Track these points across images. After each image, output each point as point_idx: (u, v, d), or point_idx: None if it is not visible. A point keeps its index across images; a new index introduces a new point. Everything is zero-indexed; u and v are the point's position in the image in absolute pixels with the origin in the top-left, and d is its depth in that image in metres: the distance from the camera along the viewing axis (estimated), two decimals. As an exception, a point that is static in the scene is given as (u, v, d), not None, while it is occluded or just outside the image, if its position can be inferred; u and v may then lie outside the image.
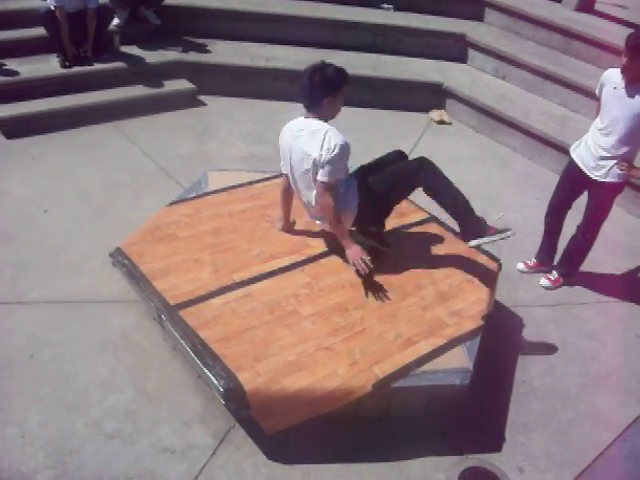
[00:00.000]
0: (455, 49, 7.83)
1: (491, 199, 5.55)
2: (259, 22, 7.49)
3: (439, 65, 7.66)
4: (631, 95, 3.95)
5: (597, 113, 4.26)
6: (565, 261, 4.67)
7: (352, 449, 3.19)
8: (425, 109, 7.21)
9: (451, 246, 4.10)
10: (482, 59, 7.66)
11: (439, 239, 4.15)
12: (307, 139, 3.45)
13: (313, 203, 3.63)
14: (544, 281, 4.68)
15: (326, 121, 3.51)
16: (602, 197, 4.29)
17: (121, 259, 3.66)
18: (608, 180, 4.17)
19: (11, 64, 5.99)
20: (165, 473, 2.99)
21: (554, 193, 4.61)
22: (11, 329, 3.66)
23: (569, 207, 4.57)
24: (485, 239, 3.56)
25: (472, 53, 7.78)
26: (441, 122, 7.05)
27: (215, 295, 3.43)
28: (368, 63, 7.37)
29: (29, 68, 6.02)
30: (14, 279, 4.02)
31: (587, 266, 4.86)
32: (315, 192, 3.55)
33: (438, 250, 4.04)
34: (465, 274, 3.86)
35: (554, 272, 4.70)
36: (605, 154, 4.12)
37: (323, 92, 3.45)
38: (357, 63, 7.31)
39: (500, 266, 4.04)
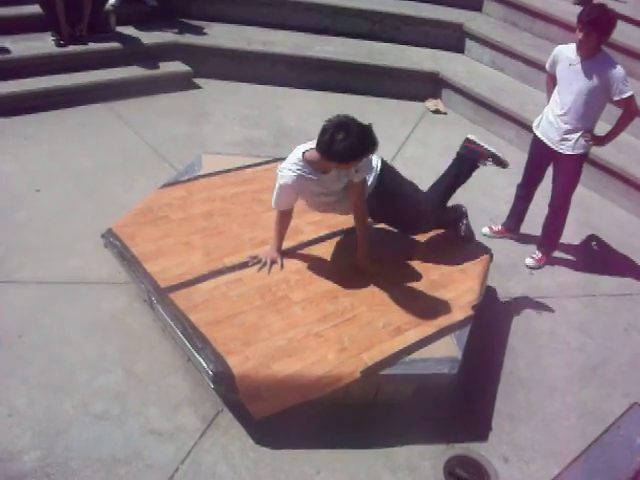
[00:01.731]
0: (452, 39, 7.79)
1: (484, 190, 5.55)
2: (256, 6, 7.43)
3: (436, 54, 7.62)
4: (587, 69, 4.13)
5: (549, 88, 4.53)
6: (545, 239, 4.81)
7: (339, 435, 3.21)
8: (421, 98, 7.19)
9: (443, 235, 4.10)
10: (479, 49, 7.64)
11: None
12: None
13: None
14: (529, 260, 4.78)
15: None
16: (570, 169, 4.46)
17: (112, 240, 3.65)
18: (575, 152, 4.35)
19: (5, 42, 5.93)
20: (152, 455, 2.99)
21: (525, 170, 4.82)
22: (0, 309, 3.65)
23: (540, 180, 4.78)
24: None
25: (469, 43, 7.74)
26: (437, 111, 7.04)
27: (206, 279, 3.43)
28: (365, 50, 7.34)
29: (23, 46, 5.96)
30: (3, 258, 4.00)
31: (577, 259, 4.89)
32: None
33: (430, 239, 4.05)
34: (456, 264, 3.87)
35: (537, 252, 4.80)
36: (569, 127, 4.30)
37: (335, 156, 3.11)
38: (354, 50, 7.28)
39: (491, 257, 4.06)
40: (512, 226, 5.01)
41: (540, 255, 4.79)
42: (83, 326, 3.60)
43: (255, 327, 3.18)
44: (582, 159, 4.45)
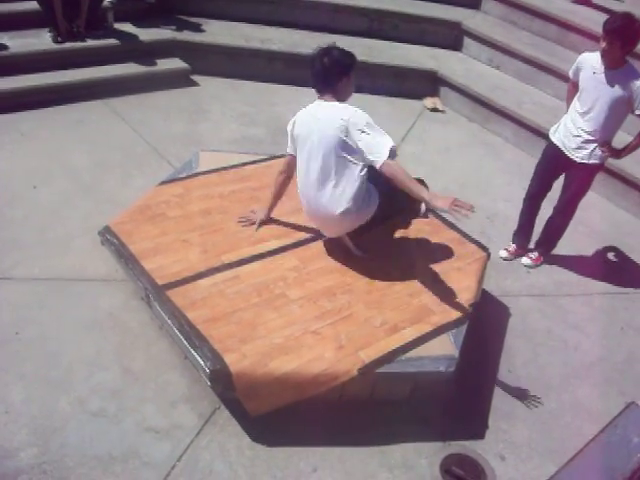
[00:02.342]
0: (450, 37, 7.80)
1: (481, 188, 5.57)
2: (254, 3, 7.42)
3: (434, 52, 7.63)
4: (611, 79, 4.07)
5: (570, 95, 4.44)
6: (545, 240, 4.79)
7: (336, 433, 3.21)
8: (419, 96, 7.20)
9: (440, 234, 4.11)
10: (477, 48, 7.64)
11: (428, 227, 4.15)
12: (335, 120, 3.24)
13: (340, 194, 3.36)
14: (526, 260, 4.78)
15: (344, 102, 3.39)
16: (583, 178, 4.41)
17: (110, 238, 3.64)
18: (591, 162, 4.29)
19: (2, 38, 5.90)
20: (149, 452, 2.99)
21: (533, 178, 4.70)
22: (-3, 305, 3.64)
23: (549, 189, 4.68)
24: None
25: (467, 41, 7.75)
26: (434, 110, 7.04)
27: (203, 276, 3.43)
28: (363, 48, 7.31)
29: (21, 42, 5.94)
30: (0, 255, 3.99)
31: (574, 258, 4.90)
32: (352, 179, 3.34)
33: (427, 238, 4.04)
34: (453, 262, 3.87)
35: (535, 252, 4.80)
36: (587, 137, 4.24)
37: (339, 74, 3.36)
38: (352, 48, 7.12)
39: (489, 255, 4.06)
40: (524, 242, 4.87)
41: (537, 255, 4.79)
42: (80, 323, 3.59)
43: (252, 325, 3.18)
44: (597, 169, 4.39)
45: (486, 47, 7.52)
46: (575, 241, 5.10)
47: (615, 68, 4.04)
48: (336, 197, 3.36)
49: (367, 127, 3.19)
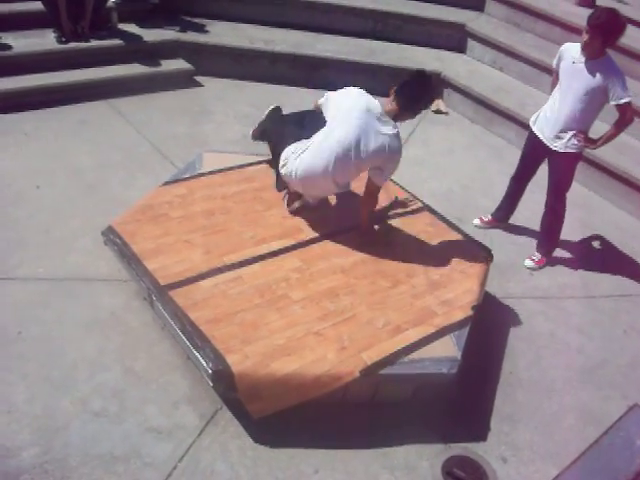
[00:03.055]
0: (454, 39, 7.79)
1: (484, 190, 5.56)
2: (258, 4, 7.42)
3: (438, 54, 7.63)
4: (590, 69, 4.16)
5: (554, 85, 4.53)
6: (544, 240, 4.83)
7: (338, 434, 3.21)
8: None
9: (443, 236, 4.11)
10: (481, 49, 7.63)
11: (431, 228, 4.15)
12: (377, 130, 3.51)
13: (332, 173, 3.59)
14: (528, 262, 4.80)
15: (396, 121, 3.59)
16: (562, 167, 4.51)
17: (112, 238, 3.64)
18: (568, 151, 4.39)
19: (7, 38, 5.91)
20: (151, 453, 2.99)
21: (518, 163, 4.87)
22: (-1, 305, 3.65)
23: (532, 175, 4.84)
24: None
25: (471, 43, 7.74)
26: (438, 111, 7.04)
27: (206, 277, 3.43)
28: (367, 49, 7.33)
29: (25, 42, 5.95)
30: (3, 254, 3.99)
31: (577, 261, 4.90)
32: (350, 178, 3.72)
33: (430, 239, 4.05)
34: (456, 264, 3.87)
35: (537, 254, 4.82)
36: (564, 126, 4.35)
37: (412, 106, 3.59)
38: (356, 49, 7.28)
39: (491, 257, 4.05)
40: (502, 217, 5.09)
41: (540, 257, 4.79)
42: (82, 323, 3.60)
43: (254, 325, 3.18)
44: (575, 158, 4.48)
45: (490, 49, 7.51)
46: (578, 244, 5.10)
47: (594, 59, 4.15)
48: (329, 185, 3.70)
49: (389, 162, 3.55)
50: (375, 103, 3.60)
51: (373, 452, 3.18)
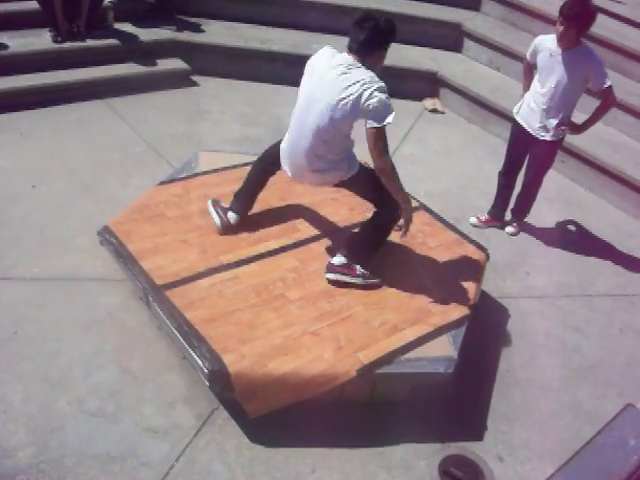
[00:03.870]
0: (451, 38, 7.78)
1: (481, 190, 5.56)
2: (254, 3, 7.40)
3: (434, 54, 7.61)
4: (567, 60, 4.31)
5: (525, 74, 4.76)
6: (518, 211, 5.09)
7: (335, 434, 3.21)
8: (419, 97, 7.18)
9: (439, 235, 4.11)
10: (477, 49, 7.63)
11: (428, 228, 4.15)
12: (350, 79, 3.18)
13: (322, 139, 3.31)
14: (510, 229, 5.07)
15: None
16: (545, 155, 4.69)
17: (109, 237, 3.64)
18: (552, 139, 4.56)
19: (2, 37, 5.89)
20: (147, 452, 2.99)
21: (505, 156, 4.98)
22: (-5, 304, 3.64)
23: (521, 166, 4.93)
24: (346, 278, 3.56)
25: (467, 43, 7.73)
26: (434, 111, 7.03)
27: (202, 276, 3.43)
28: (363, 49, 7.32)
29: (21, 42, 5.93)
30: (-1, 254, 3.99)
31: (574, 259, 4.90)
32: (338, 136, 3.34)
33: (426, 238, 4.05)
34: (452, 263, 3.87)
35: (514, 222, 5.11)
36: (549, 115, 4.49)
37: (378, 43, 3.30)
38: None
39: (488, 256, 4.06)
40: (498, 214, 5.15)
41: (516, 223, 5.08)
42: (79, 323, 3.59)
43: (251, 325, 3.18)
44: (558, 145, 4.68)
45: (486, 48, 7.51)
46: (575, 242, 5.11)
47: (570, 49, 4.27)
48: (315, 150, 3.35)
49: (379, 91, 3.16)
50: (338, 60, 3.28)
51: (370, 451, 3.17)
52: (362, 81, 3.16)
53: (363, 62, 3.26)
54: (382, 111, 3.17)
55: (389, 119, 3.19)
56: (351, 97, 3.16)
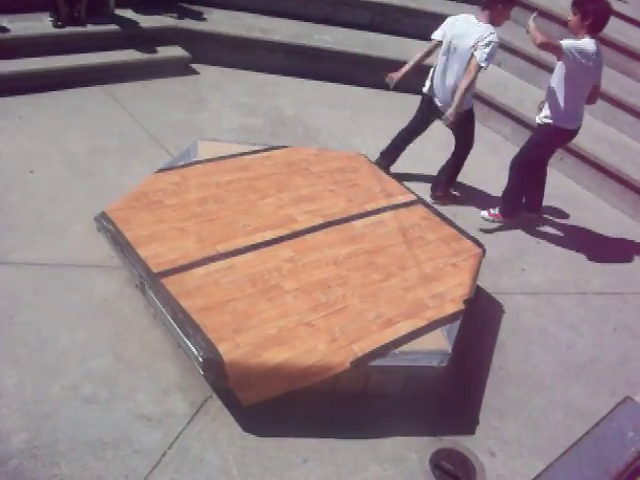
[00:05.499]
0: (452, 33, 7.76)
1: (480, 185, 5.56)
2: (256, -7, 7.39)
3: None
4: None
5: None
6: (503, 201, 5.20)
7: (327, 425, 3.22)
8: (419, 91, 7.16)
9: (436, 230, 4.11)
10: (478, 44, 7.61)
11: (425, 222, 4.15)
12: (475, 30, 4.71)
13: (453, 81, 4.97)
14: (484, 212, 5.19)
15: (493, 26, 4.66)
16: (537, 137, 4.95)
17: (106, 224, 3.63)
18: (543, 122, 4.78)
19: (2, 21, 5.86)
20: (140, 440, 3.00)
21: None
22: (-9, 289, 3.63)
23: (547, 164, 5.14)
24: None
25: (469, 38, 7.72)
26: (434, 105, 7.01)
27: (198, 265, 3.43)
28: (364, 41, 7.31)
29: (20, 26, 5.90)
30: (-4, 239, 3.98)
31: (570, 257, 4.91)
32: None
33: (423, 232, 4.05)
34: (449, 258, 3.88)
35: (495, 209, 5.17)
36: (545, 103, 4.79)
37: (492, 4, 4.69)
38: (354, 41, 7.25)
39: (484, 252, 4.06)
40: (514, 211, 5.17)
41: (496, 212, 5.13)
42: (74, 309, 3.59)
43: (246, 315, 3.18)
44: (547, 130, 4.80)
45: (488, 44, 7.49)
46: (571, 240, 5.12)
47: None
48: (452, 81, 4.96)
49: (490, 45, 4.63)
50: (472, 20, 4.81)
51: (362, 443, 3.19)
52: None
53: (489, 20, 4.71)
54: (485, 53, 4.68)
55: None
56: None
